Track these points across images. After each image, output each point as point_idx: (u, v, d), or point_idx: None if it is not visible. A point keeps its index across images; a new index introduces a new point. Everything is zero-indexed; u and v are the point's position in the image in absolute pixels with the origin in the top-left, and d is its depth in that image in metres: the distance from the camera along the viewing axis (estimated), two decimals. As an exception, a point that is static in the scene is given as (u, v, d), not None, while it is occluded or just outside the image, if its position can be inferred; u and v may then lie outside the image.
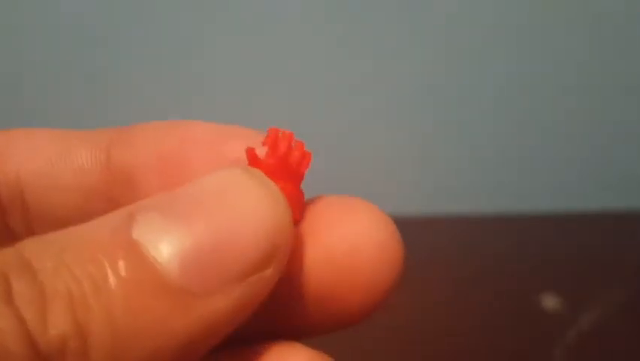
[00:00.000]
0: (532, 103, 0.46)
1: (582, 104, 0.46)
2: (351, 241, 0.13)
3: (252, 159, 0.13)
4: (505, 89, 0.45)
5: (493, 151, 0.48)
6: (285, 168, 0.13)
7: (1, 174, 0.15)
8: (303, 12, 0.41)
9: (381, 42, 0.43)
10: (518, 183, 0.49)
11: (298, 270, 0.13)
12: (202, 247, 0.11)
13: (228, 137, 0.14)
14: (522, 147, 0.48)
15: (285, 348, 0.13)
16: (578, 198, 0.49)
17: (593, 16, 0.43)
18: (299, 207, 0.13)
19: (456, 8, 0.42)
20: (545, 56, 0.44)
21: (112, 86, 0.43)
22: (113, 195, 0.15)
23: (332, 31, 0.42)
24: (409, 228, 0.51)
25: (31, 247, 0.11)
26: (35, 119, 0.34)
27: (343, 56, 0.43)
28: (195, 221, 0.11)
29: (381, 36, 0.43)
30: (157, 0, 0.40)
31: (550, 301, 0.39)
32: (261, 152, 0.13)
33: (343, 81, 0.44)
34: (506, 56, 0.44)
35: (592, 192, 0.49)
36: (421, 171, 0.48)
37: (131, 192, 0.15)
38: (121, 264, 0.10)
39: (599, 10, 0.43)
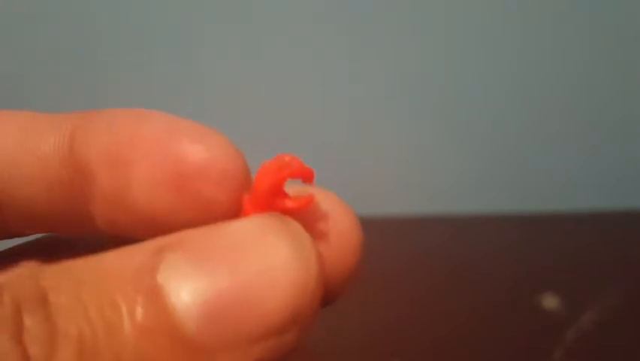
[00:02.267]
0: (532, 103, 0.46)
1: (582, 103, 0.46)
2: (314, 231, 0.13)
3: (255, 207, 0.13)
4: (505, 89, 0.45)
5: (493, 151, 0.48)
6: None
7: None
8: (304, 13, 0.41)
9: (381, 43, 0.43)
10: (518, 183, 0.49)
11: None
12: (225, 301, 0.10)
13: (177, 136, 0.13)
14: (522, 147, 0.48)
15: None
16: (578, 198, 0.49)
17: (593, 16, 0.43)
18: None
19: (456, 9, 0.42)
20: (545, 56, 0.44)
21: (112, 87, 0.43)
22: (77, 187, 0.14)
23: (333, 33, 0.42)
24: (408, 228, 0.51)
25: (49, 277, 0.10)
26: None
27: (344, 56, 0.43)
28: (222, 272, 0.10)
29: (382, 37, 0.43)
30: (157, 1, 0.40)
31: (549, 301, 0.39)
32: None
33: (344, 82, 0.44)
34: (506, 56, 0.44)
35: (592, 192, 0.49)
36: (421, 171, 0.48)
37: (91, 187, 0.14)
38: (139, 310, 0.10)
39: (598, 10, 0.43)
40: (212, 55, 0.42)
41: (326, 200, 0.13)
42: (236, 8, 0.41)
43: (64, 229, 0.15)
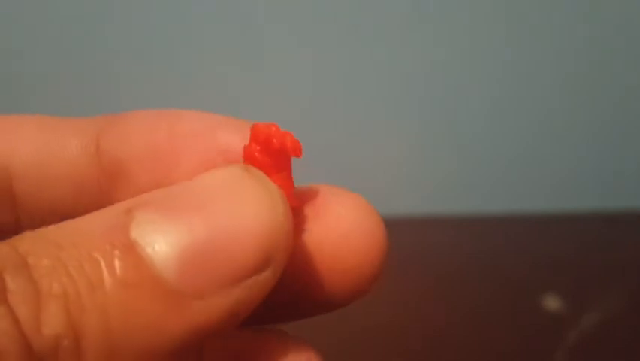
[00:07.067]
0: (532, 103, 0.46)
1: (582, 104, 0.46)
2: (339, 230, 0.13)
3: (249, 156, 0.13)
4: (505, 89, 0.45)
5: (492, 151, 0.48)
6: (278, 160, 0.13)
7: None
8: (305, 15, 0.41)
9: (381, 42, 0.43)
10: (518, 183, 0.49)
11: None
12: (199, 248, 0.11)
13: (217, 128, 0.14)
14: (521, 147, 0.48)
15: (278, 340, 0.13)
16: (579, 198, 0.49)
17: (592, 16, 0.43)
18: (293, 193, 0.13)
19: (455, 8, 0.42)
20: (544, 56, 0.44)
21: (113, 88, 0.43)
22: (104, 187, 0.15)
23: (332, 32, 0.42)
24: (408, 228, 0.51)
25: (26, 243, 0.10)
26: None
27: (343, 55, 0.43)
28: (194, 222, 0.11)
29: (381, 36, 0.42)
30: (157, 2, 0.40)
31: (551, 302, 0.39)
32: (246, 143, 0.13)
33: (343, 81, 0.44)
34: (507, 56, 0.44)
35: (593, 192, 0.49)
36: (420, 171, 0.48)
37: (121, 185, 0.14)
38: (117, 264, 0.10)
39: (598, 10, 0.43)
40: (212, 55, 0.42)
41: (351, 200, 0.14)
42: (237, 9, 0.41)
43: None
